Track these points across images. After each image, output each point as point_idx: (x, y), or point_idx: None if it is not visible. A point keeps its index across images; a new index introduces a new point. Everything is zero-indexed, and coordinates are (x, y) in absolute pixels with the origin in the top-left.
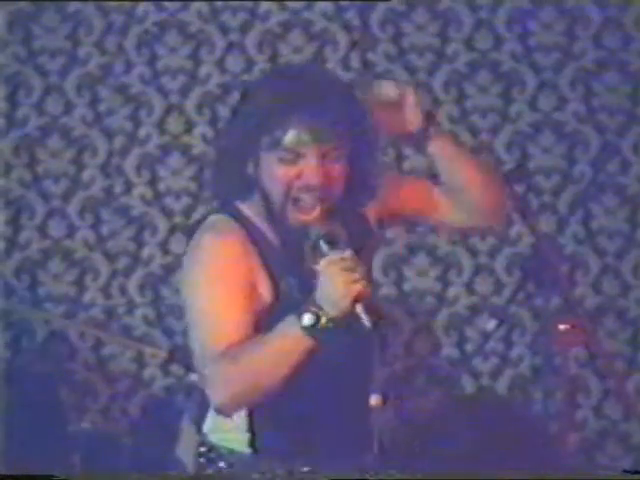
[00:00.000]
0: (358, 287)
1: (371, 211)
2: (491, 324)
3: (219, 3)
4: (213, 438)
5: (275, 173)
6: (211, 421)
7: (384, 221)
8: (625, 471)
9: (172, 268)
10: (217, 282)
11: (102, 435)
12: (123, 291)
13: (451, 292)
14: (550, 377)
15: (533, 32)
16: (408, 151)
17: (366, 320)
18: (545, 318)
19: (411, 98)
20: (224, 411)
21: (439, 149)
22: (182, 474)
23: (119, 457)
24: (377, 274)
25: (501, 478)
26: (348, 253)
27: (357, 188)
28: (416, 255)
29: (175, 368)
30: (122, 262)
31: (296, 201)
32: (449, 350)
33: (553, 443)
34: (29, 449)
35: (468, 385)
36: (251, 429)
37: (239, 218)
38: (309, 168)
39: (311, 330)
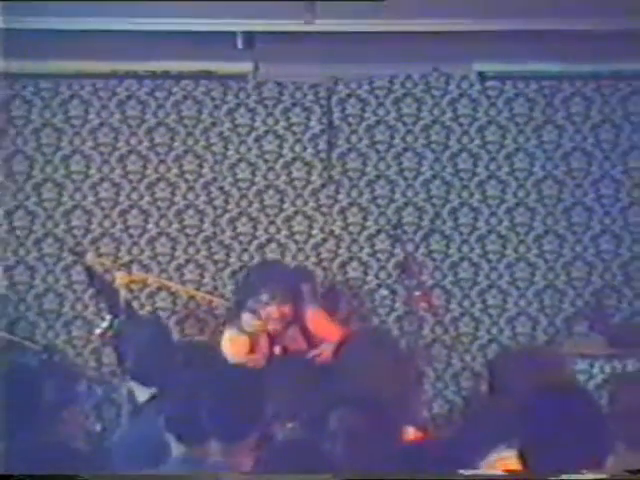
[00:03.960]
0: None
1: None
2: (384, 292)
3: None
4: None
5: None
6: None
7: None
8: (626, 471)
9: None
10: None
11: (201, 344)
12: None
13: (368, 279)
14: (411, 316)
15: None
16: None
17: None
18: (409, 290)
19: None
20: None
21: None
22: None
23: (215, 360)
24: None
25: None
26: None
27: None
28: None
29: None
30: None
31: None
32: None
33: (414, 348)
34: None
35: (375, 321)
36: None
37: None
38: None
39: None
